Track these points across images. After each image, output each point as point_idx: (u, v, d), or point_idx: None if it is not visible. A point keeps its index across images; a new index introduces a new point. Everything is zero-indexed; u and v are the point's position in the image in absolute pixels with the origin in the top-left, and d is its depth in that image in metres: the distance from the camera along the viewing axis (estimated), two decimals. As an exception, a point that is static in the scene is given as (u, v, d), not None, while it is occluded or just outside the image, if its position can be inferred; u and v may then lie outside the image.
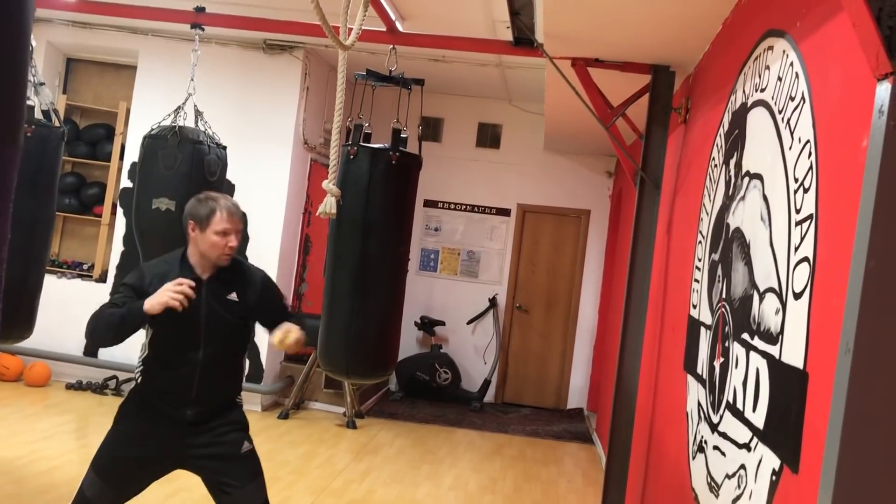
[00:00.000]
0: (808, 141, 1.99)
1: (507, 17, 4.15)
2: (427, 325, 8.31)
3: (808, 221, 1.91)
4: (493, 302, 8.46)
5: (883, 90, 1.30)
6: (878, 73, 1.31)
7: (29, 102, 4.35)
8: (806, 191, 1.96)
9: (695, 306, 3.20)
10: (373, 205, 3.75)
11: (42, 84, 4.47)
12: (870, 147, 1.37)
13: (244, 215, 3.09)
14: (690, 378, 3.14)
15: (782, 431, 1.95)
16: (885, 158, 1.29)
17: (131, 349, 6.85)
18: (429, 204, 8.49)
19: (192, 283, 2.81)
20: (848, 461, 1.20)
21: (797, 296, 1.93)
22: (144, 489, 2.98)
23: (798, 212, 2.00)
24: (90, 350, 6.98)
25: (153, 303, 2.77)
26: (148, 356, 2.98)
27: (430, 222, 8.57)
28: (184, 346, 2.91)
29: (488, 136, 8.54)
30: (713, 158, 3.18)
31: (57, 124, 4.42)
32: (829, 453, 1.25)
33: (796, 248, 1.98)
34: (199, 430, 2.94)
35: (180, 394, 2.91)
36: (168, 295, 2.76)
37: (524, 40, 4.28)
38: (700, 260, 3.22)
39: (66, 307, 6.84)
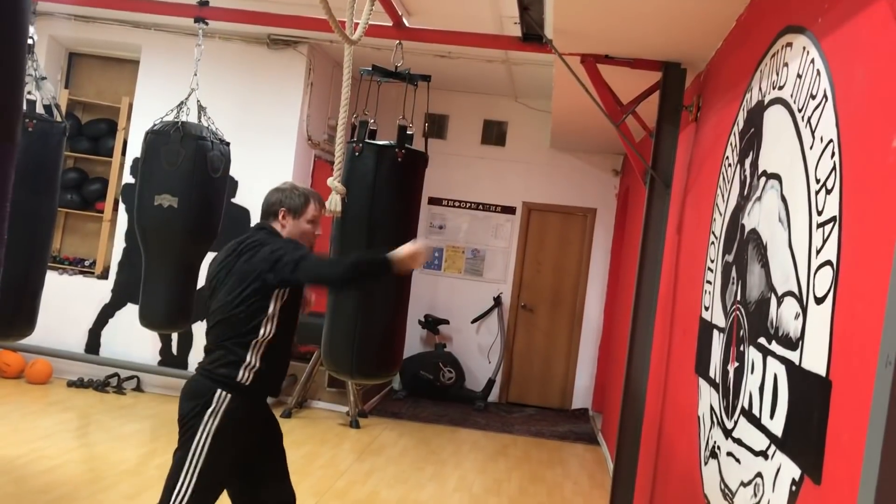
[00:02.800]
0: (830, 140, 1.93)
1: (515, 12, 4.09)
2: (431, 323, 8.26)
3: (832, 224, 1.85)
4: (497, 301, 8.40)
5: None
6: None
7: (31, 97, 4.29)
8: (829, 192, 1.89)
9: (707, 308, 3.14)
10: (378, 202, 3.69)
11: (44, 79, 4.41)
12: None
13: None
14: (702, 381, 3.08)
15: (803, 440, 1.89)
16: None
17: (132, 346, 6.84)
18: (433, 201, 8.43)
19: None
20: (890, 476, 1.15)
21: (819, 300, 1.87)
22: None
23: (820, 213, 1.93)
24: (91, 348, 6.93)
25: (405, 255, 2.81)
26: (266, 341, 2.84)
27: (435, 220, 8.51)
28: (293, 326, 2.98)
29: (494, 134, 8.48)
30: (727, 157, 3.12)
31: (59, 119, 4.37)
32: (869, 468, 1.19)
33: (818, 252, 1.92)
34: (271, 410, 3.04)
35: (282, 376, 3.00)
36: (423, 247, 2.83)
37: (533, 36, 4.21)
38: (713, 261, 3.16)
39: (67, 304, 6.80)
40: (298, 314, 3.02)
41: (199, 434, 2.74)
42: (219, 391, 2.76)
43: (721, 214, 3.10)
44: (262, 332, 2.83)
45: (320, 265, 2.91)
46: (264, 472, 2.98)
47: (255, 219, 6.73)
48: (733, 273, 2.76)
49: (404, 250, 2.83)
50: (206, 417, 2.74)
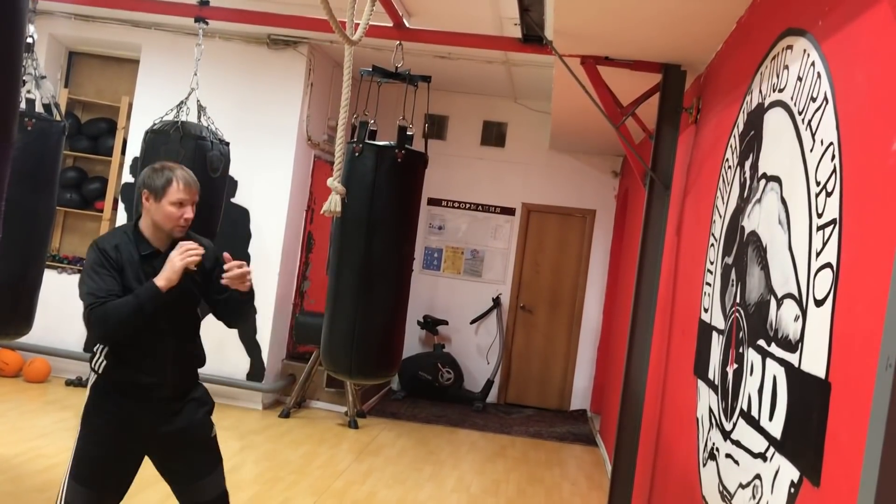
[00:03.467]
0: (831, 143, 1.93)
1: (515, 14, 4.10)
2: (430, 324, 8.26)
3: (832, 226, 1.85)
4: (496, 301, 8.40)
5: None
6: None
7: (30, 96, 4.28)
8: (829, 194, 1.89)
9: (706, 310, 3.14)
10: (378, 203, 3.69)
11: (43, 77, 4.40)
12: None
13: (200, 187, 2.98)
14: (701, 383, 3.08)
15: (802, 442, 1.89)
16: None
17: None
18: (433, 202, 8.43)
19: (198, 246, 2.79)
20: (889, 479, 1.15)
21: (819, 303, 1.87)
22: (129, 486, 2.87)
23: (820, 216, 1.94)
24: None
25: (168, 275, 2.69)
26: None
27: (434, 221, 8.51)
28: (154, 324, 2.75)
29: (493, 135, 8.48)
30: (727, 159, 3.12)
31: (58, 118, 4.36)
32: (869, 470, 1.20)
33: (818, 254, 1.92)
34: (171, 411, 2.85)
35: (154, 374, 2.79)
36: (182, 259, 2.71)
37: (533, 37, 4.22)
38: (712, 263, 3.16)
39: (66, 303, 6.77)
40: (163, 323, 2.80)
41: (82, 405, 2.86)
42: (90, 371, 2.86)
43: (721, 216, 3.10)
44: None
45: (84, 290, 2.71)
46: (176, 474, 2.93)
47: (255, 219, 6.77)
48: (733, 275, 2.76)
49: (163, 270, 2.72)
50: (87, 388, 2.88)
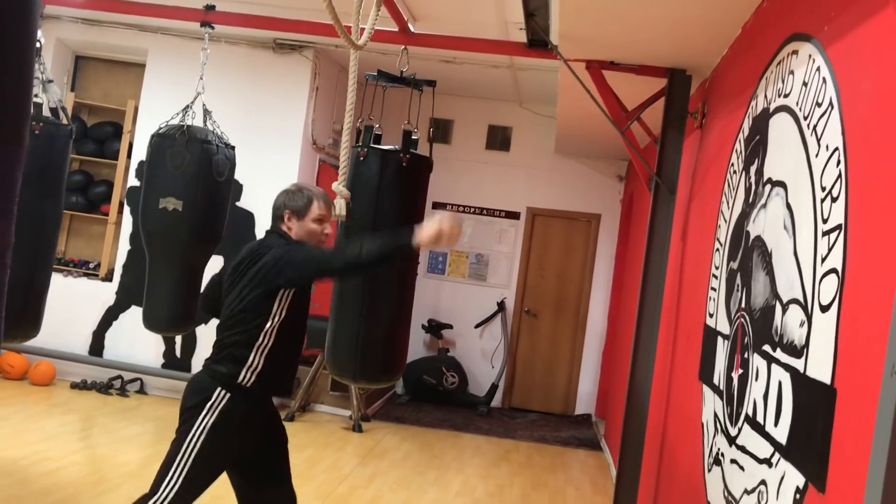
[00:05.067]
0: (836, 149, 1.93)
1: (520, 18, 4.10)
2: (434, 328, 8.26)
3: (837, 232, 1.85)
4: (501, 306, 8.40)
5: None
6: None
7: (37, 100, 4.31)
8: (834, 200, 1.89)
9: (711, 315, 3.14)
10: (383, 207, 3.69)
11: (50, 81, 4.42)
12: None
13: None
14: (706, 388, 3.07)
15: (807, 448, 1.89)
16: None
17: (136, 348, 6.85)
18: (437, 206, 8.42)
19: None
20: (894, 485, 1.14)
21: (824, 308, 1.87)
22: None
23: (825, 221, 1.93)
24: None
25: (428, 234, 2.67)
26: (270, 343, 2.84)
27: (439, 224, 8.50)
28: (300, 329, 2.98)
29: (498, 139, 8.48)
30: (732, 164, 3.12)
31: (65, 122, 4.38)
32: (874, 476, 1.19)
33: (823, 259, 1.92)
34: (275, 411, 3.03)
35: (291, 370, 2.99)
36: (448, 223, 2.67)
37: (538, 42, 4.22)
38: (717, 268, 3.15)
39: (71, 306, 6.81)
40: (307, 315, 3.02)
41: (195, 427, 2.77)
42: (219, 389, 2.80)
43: (726, 221, 3.10)
44: (266, 333, 2.85)
45: (324, 257, 2.90)
46: (266, 472, 2.99)
47: (260, 222, 6.78)
48: (738, 280, 2.76)
49: (427, 231, 2.68)
50: (203, 412, 2.78)
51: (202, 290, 3.43)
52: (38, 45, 4.22)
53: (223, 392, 2.80)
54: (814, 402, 1.87)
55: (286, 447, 3.07)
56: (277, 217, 3.04)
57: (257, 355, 2.83)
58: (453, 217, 2.73)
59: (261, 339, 2.84)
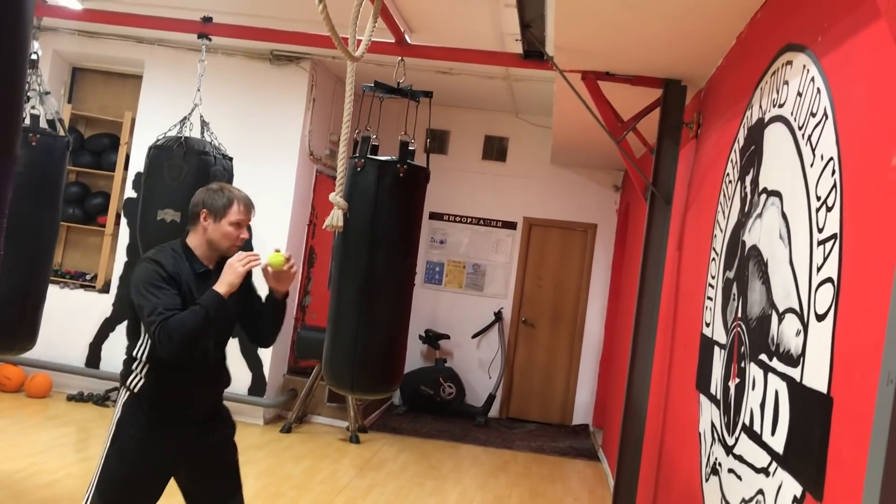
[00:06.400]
0: (831, 158, 1.94)
1: (516, 29, 4.11)
2: (431, 338, 8.25)
3: (832, 241, 1.86)
4: (498, 316, 8.40)
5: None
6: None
7: (34, 112, 4.31)
8: (829, 209, 1.90)
9: (708, 324, 3.14)
10: (380, 217, 3.69)
11: (47, 93, 4.43)
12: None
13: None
14: (703, 398, 3.07)
15: (804, 457, 1.89)
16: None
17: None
18: (434, 216, 8.44)
19: (255, 255, 2.84)
20: (891, 494, 1.15)
21: (820, 317, 1.88)
22: None
23: (821, 231, 1.94)
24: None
25: (230, 279, 2.72)
26: (154, 355, 2.76)
27: (436, 235, 8.52)
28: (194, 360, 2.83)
29: (495, 149, 8.51)
30: (727, 174, 3.13)
31: (62, 134, 4.39)
32: (871, 485, 1.20)
33: (819, 269, 1.92)
34: (201, 432, 2.87)
35: (193, 390, 2.82)
36: (244, 265, 2.76)
37: (534, 53, 4.23)
38: (713, 277, 3.16)
39: (68, 318, 6.80)
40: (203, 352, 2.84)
41: (112, 422, 2.83)
42: (122, 387, 2.84)
43: (722, 231, 3.11)
44: (141, 349, 2.80)
45: (149, 309, 2.67)
46: (202, 496, 2.93)
47: (257, 233, 6.74)
48: (734, 289, 2.77)
49: (224, 277, 2.76)
50: (118, 405, 2.85)
51: None
52: (35, 56, 4.24)
53: (123, 390, 2.83)
54: (810, 411, 1.88)
55: (227, 464, 2.97)
56: (193, 215, 2.90)
57: (139, 366, 2.80)
58: (239, 254, 2.84)
59: (138, 351, 2.79)
